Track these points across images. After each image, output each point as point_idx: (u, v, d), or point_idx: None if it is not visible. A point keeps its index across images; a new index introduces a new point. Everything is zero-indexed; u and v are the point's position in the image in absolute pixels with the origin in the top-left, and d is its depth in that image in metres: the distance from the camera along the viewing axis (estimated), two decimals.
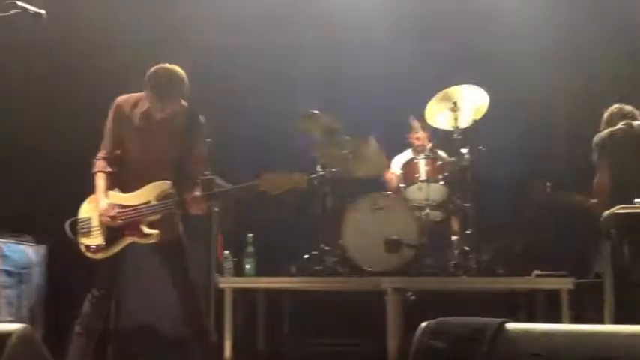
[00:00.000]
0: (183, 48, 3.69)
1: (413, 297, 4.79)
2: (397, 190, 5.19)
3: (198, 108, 3.74)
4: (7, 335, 2.06)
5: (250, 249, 4.99)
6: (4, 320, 4.63)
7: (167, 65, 3.55)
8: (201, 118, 3.75)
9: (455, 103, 5.01)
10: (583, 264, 4.68)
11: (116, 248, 3.60)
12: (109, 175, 3.66)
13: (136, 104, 3.65)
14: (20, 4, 3.26)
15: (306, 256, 4.97)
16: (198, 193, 3.59)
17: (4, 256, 4.78)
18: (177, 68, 3.56)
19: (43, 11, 3.33)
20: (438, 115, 5.19)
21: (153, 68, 3.55)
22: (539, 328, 1.69)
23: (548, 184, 4.83)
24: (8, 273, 4.80)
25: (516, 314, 4.96)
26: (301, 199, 4.94)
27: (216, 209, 4.66)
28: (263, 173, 3.57)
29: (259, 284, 5.01)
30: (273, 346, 5.32)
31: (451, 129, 5.03)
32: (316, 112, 4.87)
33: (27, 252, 5.05)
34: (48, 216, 4.38)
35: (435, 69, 5.57)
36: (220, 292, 4.63)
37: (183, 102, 3.67)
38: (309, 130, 4.90)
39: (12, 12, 3.28)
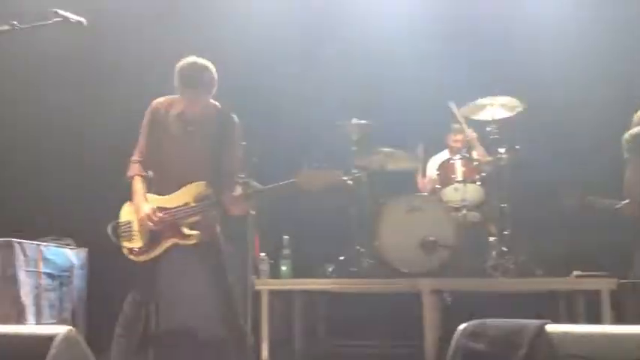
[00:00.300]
0: (220, 54, 3.70)
1: (449, 299, 4.77)
2: (433, 192, 5.18)
3: (232, 108, 3.76)
4: (51, 337, 2.11)
5: (286, 251, 5.01)
6: (46, 322, 4.73)
7: (194, 58, 3.57)
8: (235, 118, 3.75)
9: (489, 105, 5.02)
10: (622, 264, 4.59)
11: (158, 251, 3.62)
12: (145, 178, 3.70)
13: (170, 106, 3.68)
14: (61, 12, 3.31)
15: (341, 258, 4.99)
16: (236, 193, 3.59)
17: (46, 260, 4.86)
18: (205, 61, 3.57)
19: (83, 19, 3.37)
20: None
21: (180, 62, 3.56)
22: (579, 330, 1.68)
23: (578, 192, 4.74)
24: (50, 276, 4.88)
25: (556, 316, 4.89)
26: (337, 200, 4.96)
27: (253, 212, 4.69)
28: (300, 171, 3.56)
29: (295, 286, 5.02)
30: (309, 347, 5.33)
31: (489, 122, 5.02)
32: (354, 120, 4.94)
33: (68, 255, 5.14)
34: (88, 219, 4.45)
35: (472, 72, 5.54)
36: (257, 294, 4.66)
37: (217, 103, 3.70)
38: (346, 136, 4.97)
39: (53, 20, 3.33)
